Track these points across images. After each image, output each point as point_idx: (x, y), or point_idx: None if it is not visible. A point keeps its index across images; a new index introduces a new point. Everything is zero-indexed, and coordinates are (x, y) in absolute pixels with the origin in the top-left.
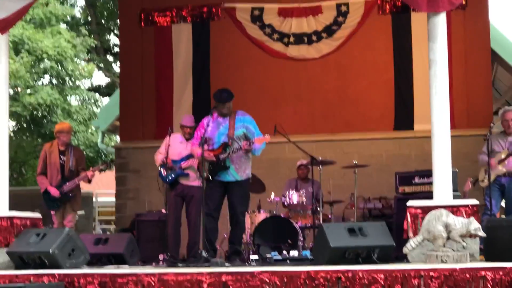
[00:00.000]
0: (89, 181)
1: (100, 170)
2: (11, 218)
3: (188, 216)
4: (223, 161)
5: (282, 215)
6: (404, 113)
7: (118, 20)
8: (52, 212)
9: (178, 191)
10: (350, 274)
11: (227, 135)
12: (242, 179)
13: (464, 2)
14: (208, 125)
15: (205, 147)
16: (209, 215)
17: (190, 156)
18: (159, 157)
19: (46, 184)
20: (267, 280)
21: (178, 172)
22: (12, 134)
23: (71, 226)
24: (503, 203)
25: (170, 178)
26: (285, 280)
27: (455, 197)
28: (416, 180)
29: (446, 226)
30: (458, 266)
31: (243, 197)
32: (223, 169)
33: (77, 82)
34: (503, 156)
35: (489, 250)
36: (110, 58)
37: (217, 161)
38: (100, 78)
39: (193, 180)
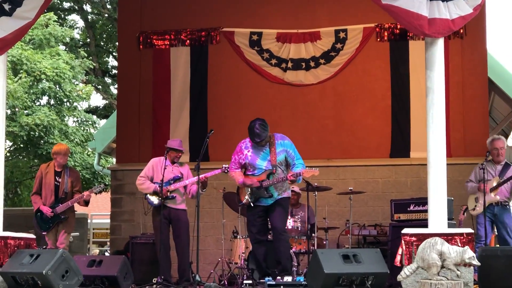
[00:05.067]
0: (86, 204)
1: (96, 193)
2: (5, 238)
3: (176, 239)
4: (266, 189)
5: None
6: (400, 141)
7: (116, 43)
8: (44, 233)
9: (165, 214)
10: None
11: (270, 162)
12: (282, 197)
13: (462, 31)
14: (248, 150)
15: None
16: (256, 241)
17: (177, 179)
18: (148, 184)
19: (39, 203)
20: None
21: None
22: (8, 154)
23: (63, 248)
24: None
25: (157, 201)
26: None
27: (450, 225)
28: (412, 207)
29: (440, 254)
30: None
31: (282, 214)
32: (267, 197)
33: (75, 104)
34: (494, 184)
35: (484, 279)
36: (108, 80)
37: (260, 187)
38: (98, 100)
39: (180, 203)
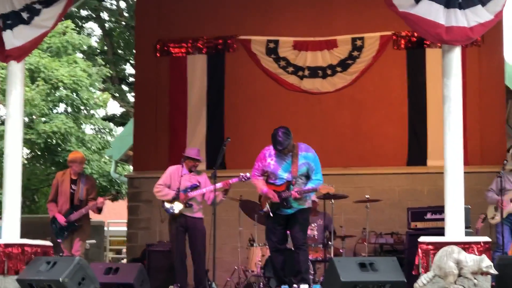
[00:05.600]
0: (99, 211)
1: (112, 200)
2: (22, 246)
3: (192, 247)
4: (286, 200)
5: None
6: (417, 149)
7: (134, 50)
8: (59, 241)
9: (181, 223)
10: None
11: (291, 174)
12: (303, 207)
13: (479, 39)
14: (271, 158)
15: (265, 179)
16: (275, 249)
17: (194, 188)
18: (167, 191)
19: (55, 211)
20: None
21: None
22: (25, 162)
23: (79, 256)
24: None
25: (174, 209)
26: None
27: (467, 234)
28: (429, 216)
29: (457, 263)
30: None
31: (303, 225)
32: (287, 208)
33: (92, 111)
34: None
35: None
36: (125, 87)
37: (279, 198)
38: (115, 108)
39: (196, 212)
